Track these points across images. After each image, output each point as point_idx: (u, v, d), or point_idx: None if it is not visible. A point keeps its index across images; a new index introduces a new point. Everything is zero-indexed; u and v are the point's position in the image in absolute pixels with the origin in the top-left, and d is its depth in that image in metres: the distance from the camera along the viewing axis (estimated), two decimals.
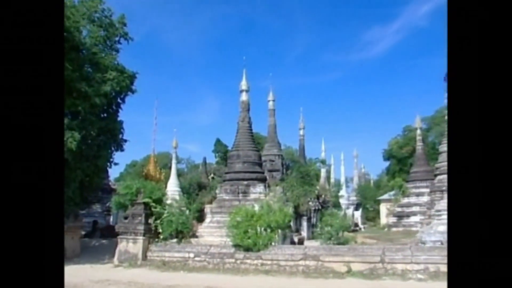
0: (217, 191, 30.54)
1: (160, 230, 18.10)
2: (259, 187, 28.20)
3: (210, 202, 30.56)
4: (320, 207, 33.44)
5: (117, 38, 21.75)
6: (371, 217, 55.73)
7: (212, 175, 45.93)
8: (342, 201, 51.13)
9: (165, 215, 18.49)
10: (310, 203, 31.70)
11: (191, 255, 16.55)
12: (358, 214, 52.44)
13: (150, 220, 18.19)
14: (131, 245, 17.63)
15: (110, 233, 25.04)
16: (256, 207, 18.52)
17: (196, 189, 39.64)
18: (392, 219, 41.20)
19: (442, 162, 33.67)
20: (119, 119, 22.32)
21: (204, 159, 49.60)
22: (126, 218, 18.45)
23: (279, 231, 18.14)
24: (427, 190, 37.79)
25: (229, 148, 39.48)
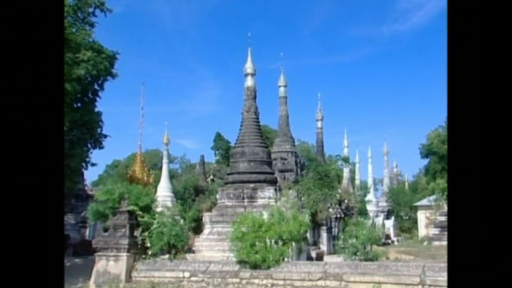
0: (217, 196, 31.05)
1: (149, 245, 18.18)
2: (269, 191, 28.67)
3: (210, 210, 31.15)
4: (342, 215, 33.91)
5: (91, 9, 21.45)
6: (406, 227, 56.06)
7: (211, 176, 46.61)
8: (370, 208, 51.42)
9: (154, 226, 18.54)
10: (331, 210, 32.21)
11: (187, 274, 16.76)
12: (389, 223, 52.75)
13: (136, 233, 18.19)
14: (112, 263, 17.60)
15: (86, 250, 25.30)
16: (265, 215, 18.70)
17: (192, 194, 40.38)
18: (434, 231, 41.45)
19: None
20: (96, 109, 22.34)
21: (202, 157, 50.36)
22: (106, 230, 18.40)
23: (293, 244, 18.45)
24: None
25: (232, 144, 40.02)
